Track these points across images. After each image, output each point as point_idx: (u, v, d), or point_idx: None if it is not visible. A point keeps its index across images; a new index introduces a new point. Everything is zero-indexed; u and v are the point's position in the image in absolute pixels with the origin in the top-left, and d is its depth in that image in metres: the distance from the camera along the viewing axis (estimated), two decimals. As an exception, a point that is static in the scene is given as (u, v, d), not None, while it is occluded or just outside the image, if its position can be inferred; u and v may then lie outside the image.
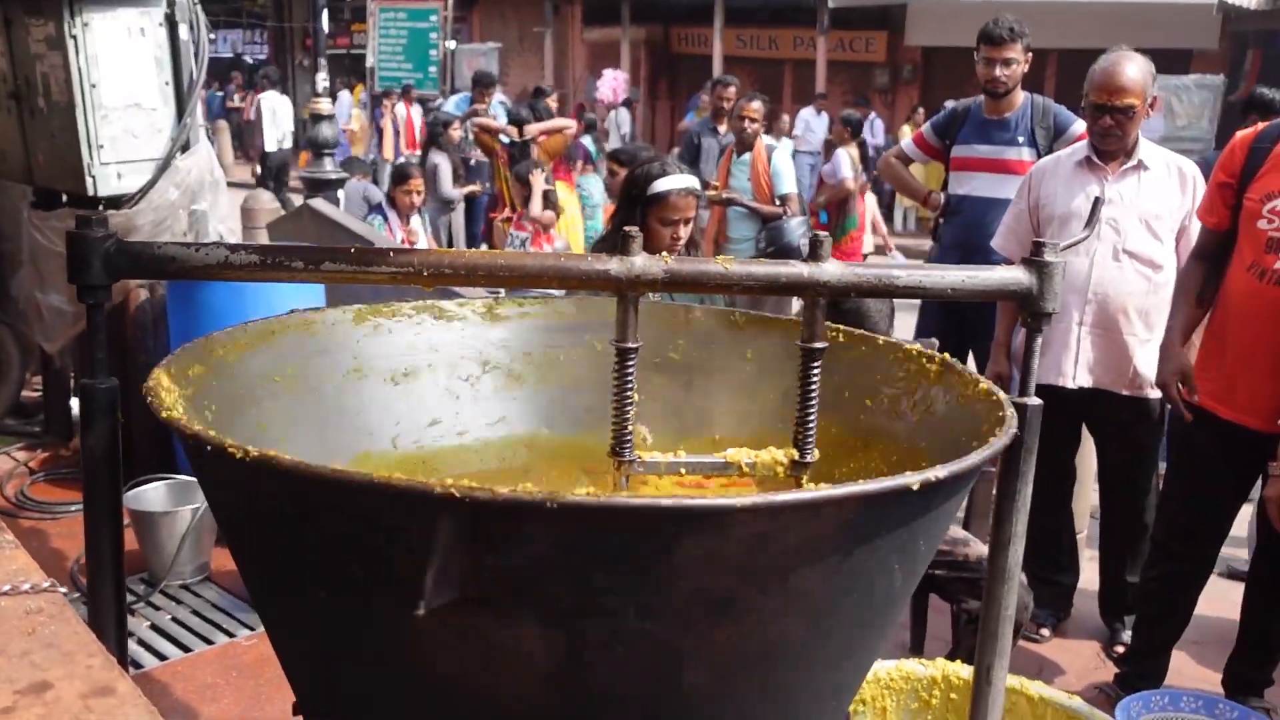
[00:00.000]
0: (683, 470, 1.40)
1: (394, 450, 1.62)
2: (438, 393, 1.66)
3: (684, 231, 3.37)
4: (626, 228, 1.31)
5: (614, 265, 1.29)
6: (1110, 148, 3.66)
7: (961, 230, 4.64)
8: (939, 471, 1.06)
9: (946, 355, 1.54)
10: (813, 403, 1.39)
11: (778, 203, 6.64)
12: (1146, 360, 3.64)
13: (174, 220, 4.54)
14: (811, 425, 1.39)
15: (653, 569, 1.00)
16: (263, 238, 6.18)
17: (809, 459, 1.40)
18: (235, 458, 1.01)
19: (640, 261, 1.29)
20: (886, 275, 1.35)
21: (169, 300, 4.28)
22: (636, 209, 3.38)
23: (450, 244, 8.55)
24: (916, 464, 1.47)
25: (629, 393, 1.36)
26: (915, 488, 1.04)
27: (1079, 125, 4.31)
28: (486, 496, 0.92)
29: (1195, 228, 3.53)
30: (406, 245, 5.96)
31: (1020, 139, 4.52)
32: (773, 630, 1.09)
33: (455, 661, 1.07)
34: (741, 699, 1.14)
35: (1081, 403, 3.79)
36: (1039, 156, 4.38)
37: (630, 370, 1.35)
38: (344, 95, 15.49)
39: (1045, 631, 4.01)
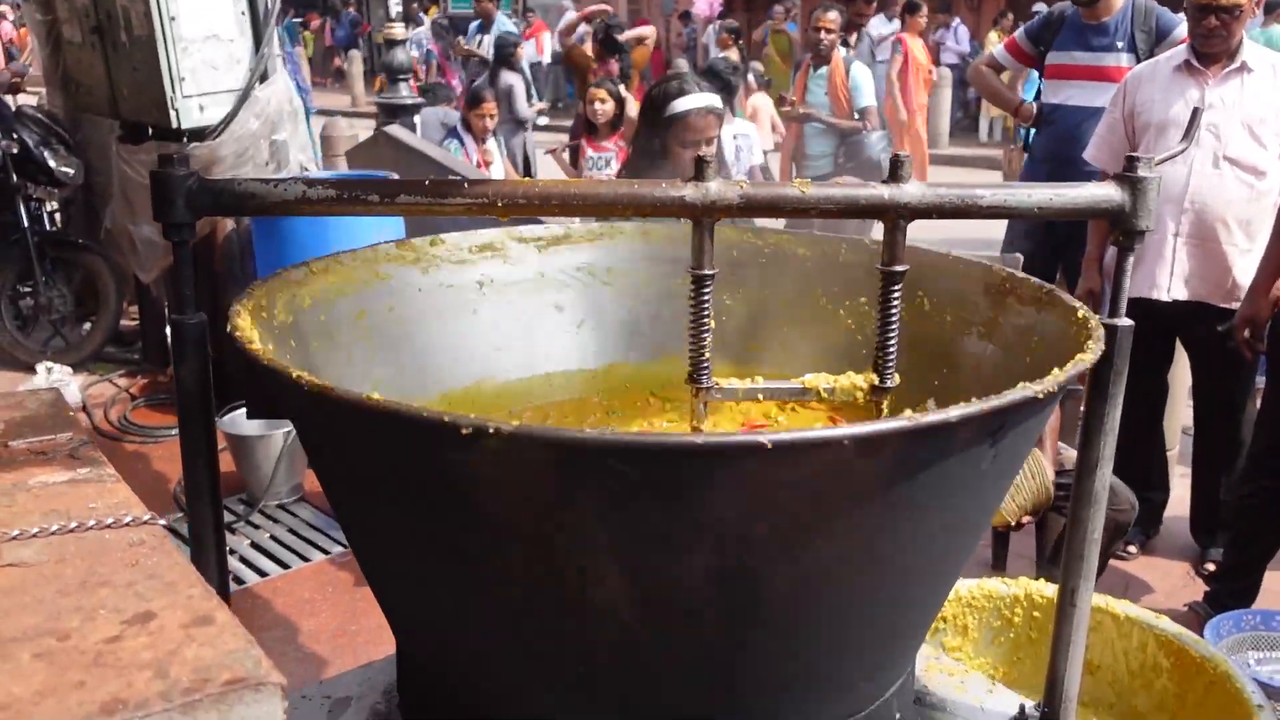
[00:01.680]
0: (760, 396, 1.40)
1: (477, 382, 1.65)
2: (521, 323, 1.67)
3: (706, 152, 3.29)
4: (701, 153, 1.29)
5: (689, 191, 1.27)
6: (1213, 50, 3.48)
7: (1054, 142, 4.48)
8: (999, 400, 1.04)
9: (1030, 276, 1.50)
10: (893, 327, 1.36)
11: (856, 117, 6.48)
12: (1246, 271, 3.51)
13: (256, 150, 4.61)
14: (892, 350, 1.37)
15: (721, 503, 1.00)
16: (341, 165, 6.25)
17: (889, 384, 1.38)
18: (300, 388, 1.04)
19: (715, 187, 1.27)
20: (970, 195, 1.31)
21: (254, 232, 4.37)
22: (657, 130, 3.31)
23: (526, 164, 8.54)
24: (1000, 388, 1.44)
25: (705, 319, 1.35)
26: (985, 414, 1.02)
27: (1183, 28, 4.11)
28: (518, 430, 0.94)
29: (1302, 132, 3.37)
30: (482, 168, 5.97)
31: (1120, 44, 4.31)
32: (850, 563, 1.09)
33: (523, 594, 1.10)
34: (823, 627, 1.15)
35: (1176, 316, 3.68)
36: (1138, 61, 4.19)
37: (707, 297, 1.34)
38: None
39: (1133, 549, 3.96)
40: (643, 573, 1.05)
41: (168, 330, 5.01)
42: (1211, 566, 3.79)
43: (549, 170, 7.73)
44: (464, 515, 1.06)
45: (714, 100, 3.36)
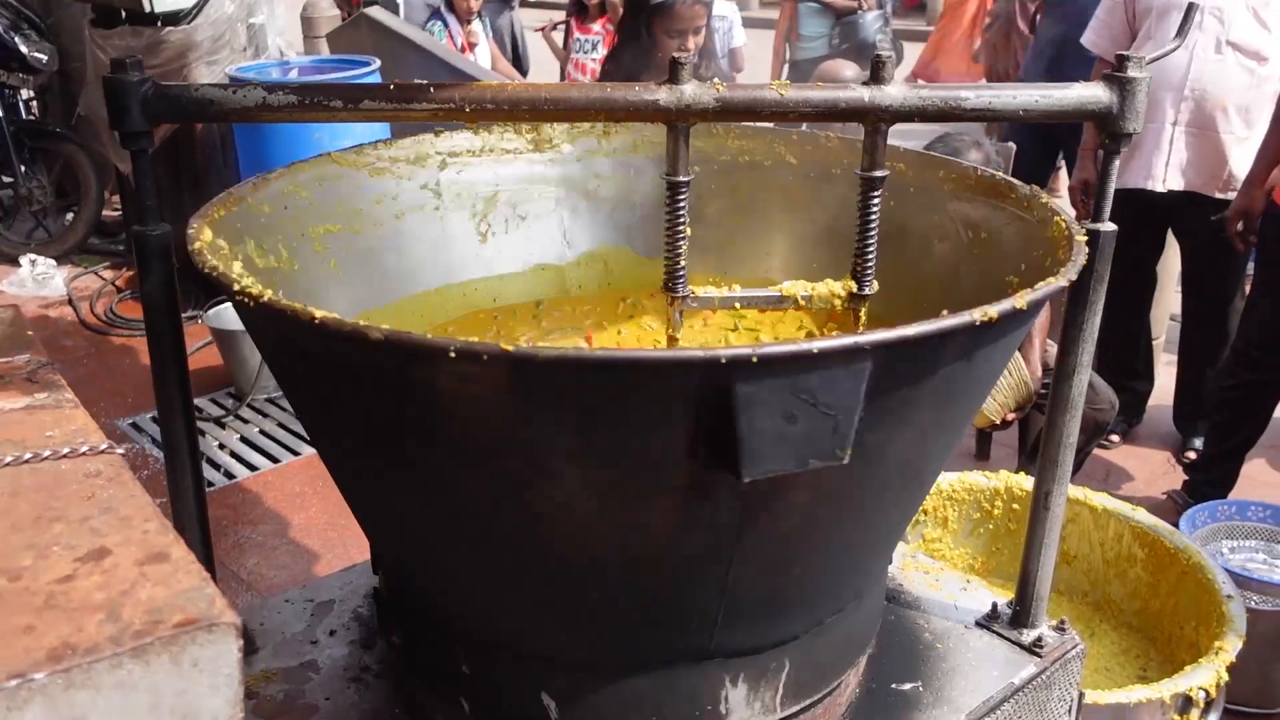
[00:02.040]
0: (737, 304, 1.38)
1: (462, 282, 1.62)
2: (503, 223, 1.65)
3: (693, 43, 3.19)
4: (676, 54, 1.24)
5: (663, 95, 1.23)
6: (1217, -72, 3.36)
7: (1061, 24, 4.34)
8: (976, 315, 1.02)
9: (1013, 179, 1.46)
10: (872, 233, 1.34)
11: (852, -4, 6.29)
12: (1242, 160, 3.46)
13: (232, 35, 4.48)
14: (870, 257, 1.35)
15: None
16: (323, 48, 6.08)
17: (867, 291, 1.36)
18: (245, 301, 1.02)
19: (690, 90, 1.23)
20: (954, 98, 1.27)
21: (235, 126, 4.27)
22: (641, 20, 3.21)
23: (515, 45, 8.31)
24: (979, 294, 1.43)
25: (681, 227, 1.32)
26: (956, 330, 1.00)
27: None
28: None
29: (1306, 15, 3.27)
30: (466, 51, 5.81)
31: None
32: (825, 476, 1.09)
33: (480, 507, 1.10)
34: (804, 535, 1.15)
35: (1170, 207, 3.64)
36: None
37: (682, 204, 1.31)
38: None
39: (1115, 438, 4.00)
40: (609, 489, 1.04)
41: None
42: (1192, 455, 3.84)
43: (538, 50, 7.52)
44: (422, 434, 1.06)
45: None
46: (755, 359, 0.91)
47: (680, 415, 0.96)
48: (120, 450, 0.87)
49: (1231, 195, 3.47)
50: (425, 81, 1.24)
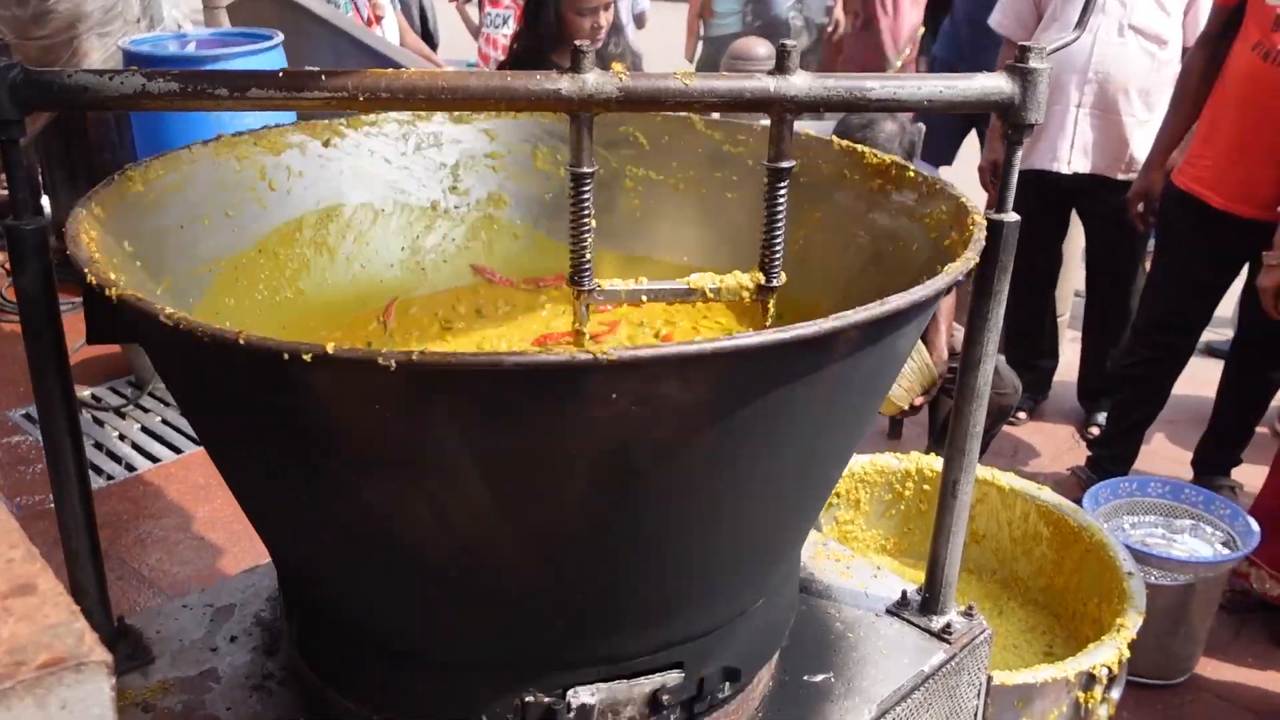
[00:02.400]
0: (644, 298, 1.36)
1: (352, 278, 1.58)
2: (417, 211, 1.60)
3: (604, 19, 3.15)
4: (577, 42, 1.21)
5: (565, 84, 1.19)
6: (1119, -88, 3.42)
7: (971, 4, 4.38)
8: (874, 310, 1.01)
9: (910, 165, 1.46)
10: (779, 224, 1.32)
11: (765, -28, 6.28)
12: (1144, 142, 3.54)
13: (125, 6, 4.29)
14: (778, 248, 1.33)
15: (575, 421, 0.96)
16: (224, 20, 5.87)
17: (775, 283, 1.35)
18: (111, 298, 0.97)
19: (593, 79, 1.20)
20: (859, 88, 1.26)
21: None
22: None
23: (424, 17, 8.14)
24: (880, 284, 1.42)
25: (586, 219, 1.29)
26: (854, 325, 0.99)
27: None
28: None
29: (1204, 1, 3.35)
30: (372, 25, 5.67)
31: None
32: (725, 475, 1.08)
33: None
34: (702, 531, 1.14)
35: (1075, 188, 3.71)
36: None
37: (587, 196, 1.28)
38: None
39: (1022, 415, 4.09)
40: (509, 495, 1.02)
41: (44, 199, 4.74)
42: (1095, 431, 3.94)
43: (451, 22, 7.38)
44: (315, 441, 1.02)
45: None
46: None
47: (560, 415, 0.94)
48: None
49: (1133, 177, 3.55)
50: (316, 69, 1.19)
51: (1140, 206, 3.44)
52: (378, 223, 1.56)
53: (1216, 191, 3.18)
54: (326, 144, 1.53)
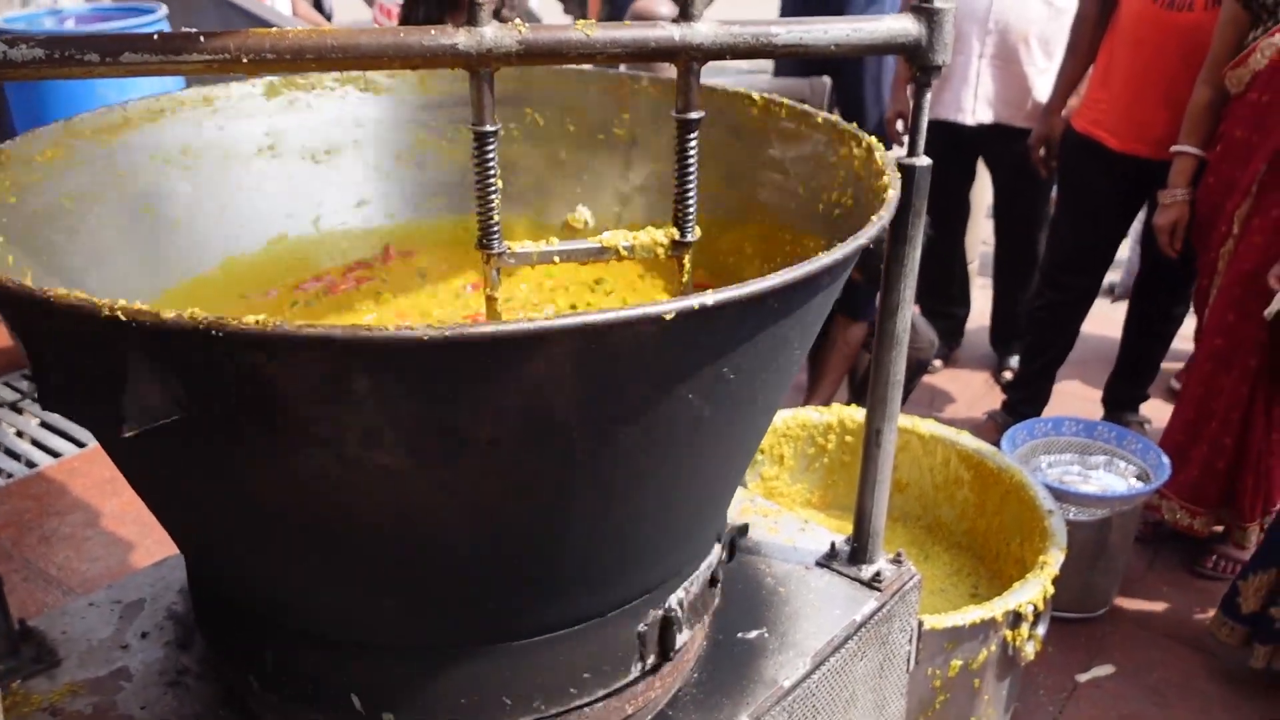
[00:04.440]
0: (556, 259, 1.32)
1: (315, 232, 1.52)
2: (365, 171, 1.54)
3: None
4: (473, -7, 1.16)
5: (461, 39, 1.14)
6: None
7: None
8: (787, 274, 0.99)
9: (820, 112, 1.44)
10: (690, 177, 1.29)
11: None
12: (1045, 90, 3.59)
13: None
14: (691, 202, 1.30)
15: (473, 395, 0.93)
16: (104, -6, 5.61)
17: (689, 238, 1.32)
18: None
19: (490, 33, 1.15)
20: (764, 34, 1.23)
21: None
22: None
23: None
24: (797, 235, 1.41)
25: (491, 179, 1.24)
26: (773, 288, 0.97)
27: None
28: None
29: (1095, -53, 3.39)
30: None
31: None
32: (655, 442, 1.05)
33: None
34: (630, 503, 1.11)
35: (979, 138, 3.75)
36: None
37: (490, 155, 1.23)
38: None
39: (938, 363, 4.15)
40: (434, 468, 0.98)
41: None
42: (1008, 375, 4.02)
43: (342, -5, 7.17)
44: (223, 422, 0.96)
45: None
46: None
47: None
48: None
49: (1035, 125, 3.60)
50: (196, 30, 1.12)
51: (1041, 151, 3.49)
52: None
53: (1114, 133, 3.24)
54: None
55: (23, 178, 1.24)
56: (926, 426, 2.59)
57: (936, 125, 3.56)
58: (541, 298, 1.58)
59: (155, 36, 1.11)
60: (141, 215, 1.38)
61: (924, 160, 1.35)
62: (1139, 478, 3.01)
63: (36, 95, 3.61)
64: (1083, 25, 3.34)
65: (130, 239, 1.35)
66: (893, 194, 1.18)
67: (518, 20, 1.22)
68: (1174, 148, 3.02)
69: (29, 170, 1.25)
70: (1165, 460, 2.95)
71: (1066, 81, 3.42)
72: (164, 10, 4.01)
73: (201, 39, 1.11)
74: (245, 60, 1.12)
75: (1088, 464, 3.05)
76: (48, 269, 1.21)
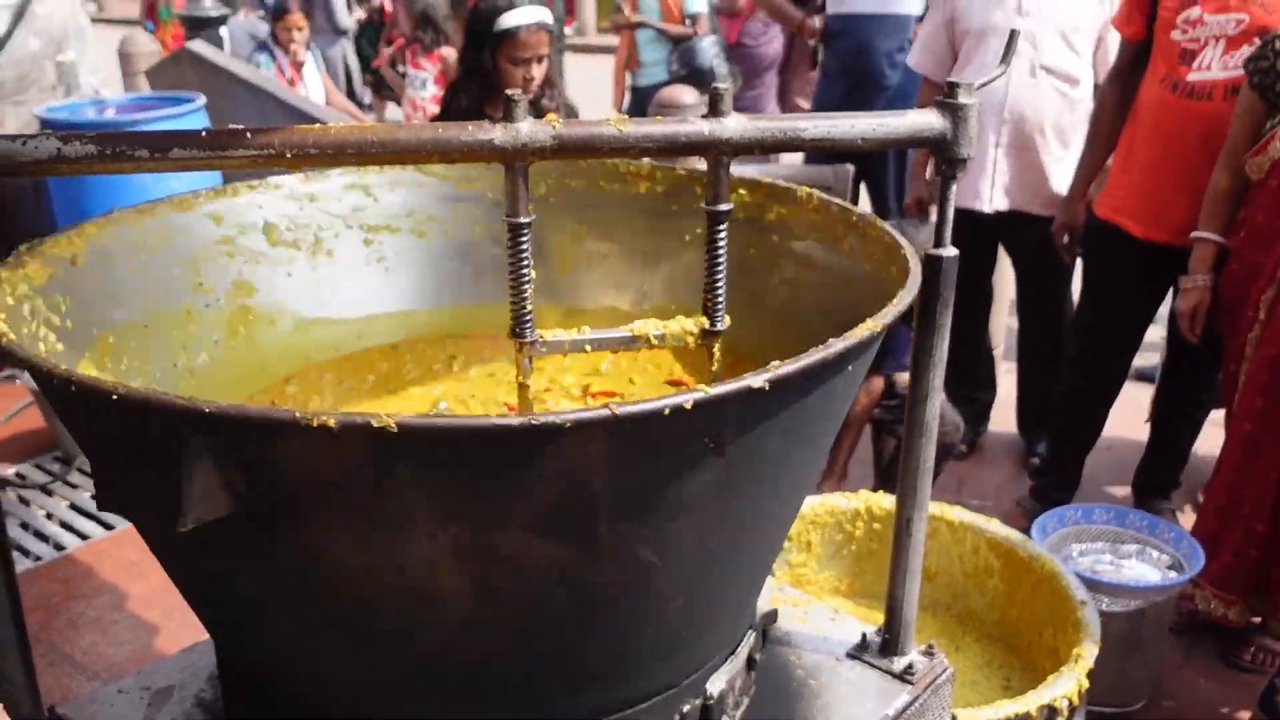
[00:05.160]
0: (588, 347, 1.33)
1: (347, 316, 1.54)
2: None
3: (537, 71, 3.18)
4: (509, 92, 1.19)
5: (498, 134, 1.17)
6: (1028, -44, 3.52)
7: (847, 55, 4.43)
8: (818, 355, 1.00)
9: (843, 202, 1.47)
10: (720, 268, 1.31)
11: (688, 23, 6.38)
12: (1062, 178, 3.63)
13: (39, 73, 4.22)
14: (720, 291, 1.32)
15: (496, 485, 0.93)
16: (143, 85, 5.80)
17: (719, 327, 1.33)
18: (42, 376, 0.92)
19: (526, 128, 1.18)
20: (792, 129, 1.26)
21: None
22: (485, 48, 3.18)
23: (349, 79, 8.12)
24: (819, 325, 1.42)
25: (525, 269, 1.27)
26: (803, 370, 0.98)
27: None
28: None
29: (1113, 39, 3.46)
30: (296, 85, 5.64)
31: None
32: (688, 529, 1.05)
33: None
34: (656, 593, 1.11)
35: (998, 225, 3.78)
36: None
37: (525, 246, 1.26)
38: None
39: (964, 448, 4.12)
40: (470, 560, 0.98)
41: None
42: (1036, 461, 3.98)
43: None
44: (266, 509, 0.97)
45: (545, 15, 3.21)
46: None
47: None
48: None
49: (1054, 212, 3.63)
50: (241, 127, 1.16)
51: (1065, 238, 3.52)
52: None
53: (1134, 219, 3.26)
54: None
55: (62, 272, 1.27)
56: (955, 513, 2.57)
57: (955, 213, 3.58)
58: (548, 378, 1.59)
59: (203, 133, 1.14)
60: (192, 304, 1.41)
61: (950, 250, 1.37)
62: (1173, 567, 2.96)
63: (76, 181, 3.70)
64: (1103, 113, 3.39)
65: (179, 327, 1.38)
66: (913, 279, 1.20)
67: (556, 112, 1.25)
68: (1194, 234, 3.03)
69: (69, 263, 1.28)
70: (1199, 549, 2.90)
71: (1088, 169, 3.46)
72: (202, 100, 4.13)
73: (247, 135, 1.14)
74: (289, 155, 1.15)
75: (1120, 553, 3.01)
76: (100, 364, 1.24)
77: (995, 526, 2.54)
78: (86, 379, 0.92)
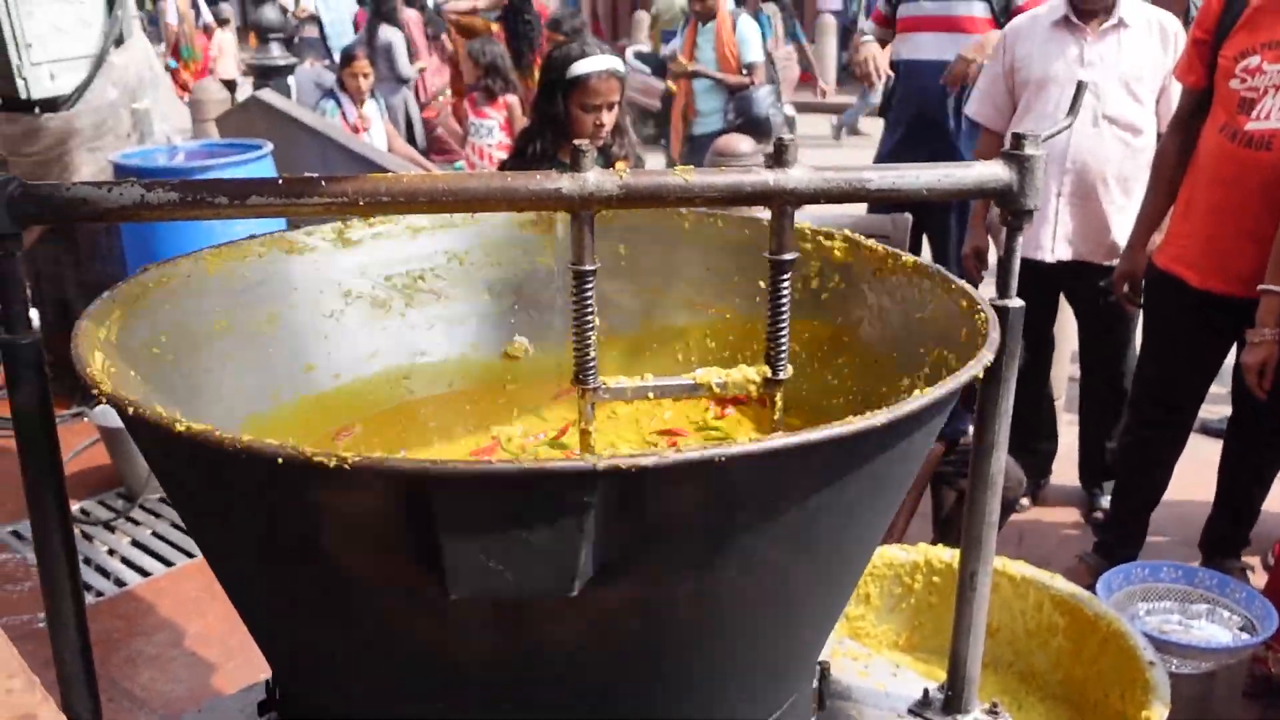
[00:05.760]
0: (650, 395, 1.34)
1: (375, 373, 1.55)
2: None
3: (608, 118, 3.23)
4: (577, 142, 1.21)
5: (565, 183, 1.19)
6: (1093, 6, 3.51)
7: (911, 101, 4.42)
8: (895, 411, 0.99)
9: (911, 255, 1.46)
10: (783, 317, 1.31)
11: (744, 73, 6.43)
12: (1124, 227, 3.58)
13: (115, 121, 4.35)
14: (783, 341, 1.32)
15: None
16: (212, 131, 5.97)
17: (782, 376, 1.33)
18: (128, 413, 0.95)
19: (593, 178, 1.20)
20: (858, 179, 1.26)
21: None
22: (557, 95, 3.24)
23: (409, 126, 8.28)
24: (887, 377, 1.41)
25: (589, 317, 1.28)
26: (880, 425, 0.97)
27: None
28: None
29: (1176, 87, 3.42)
30: (361, 132, 5.76)
31: None
32: (751, 582, 1.05)
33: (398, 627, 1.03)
34: (722, 646, 1.10)
35: (1060, 274, 3.74)
36: (993, 13, 4.18)
37: (589, 294, 1.27)
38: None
39: (1025, 501, 4.05)
40: (522, 606, 0.98)
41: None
42: (1100, 515, 3.90)
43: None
44: (319, 553, 0.98)
45: (616, 63, 3.27)
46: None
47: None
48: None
49: (1116, 261, 3.58)
50: (316, 175, 1.19)
51: (1125, 288, 3.46)
52: (331, 336, 1.53)
53: (1195, 270, 3.21)
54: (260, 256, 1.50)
55: (133, 319, 1.29)
56: (1017, 568, 2.52)
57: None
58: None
59: (280, 181, 1.17)
60: (266, 346, 1.44)
61: (1016, 302, 1.35)
62: (1244, 628, 2.87)
63: (149, 227, 3.80)
64: (1164, 162, 3.35)
65: (255, 369, 1.41)
66: (993, 335, 1.19)
67: (626, 160, 1.27)
68: (1261, 286, 2.97)
69: (141, 308, 1.31)
70: (1272, 610, 2.81)
71: (1148, 218, 3.41)
72: (269, 147, 4.23)
73: (322, 183, 1.17)
74: (361, 203, 1.18)
75: (1189, 613, 2.92)
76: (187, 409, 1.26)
77: (1059, 582, 2.48)
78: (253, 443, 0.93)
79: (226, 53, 9.69)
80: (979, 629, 1.45)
